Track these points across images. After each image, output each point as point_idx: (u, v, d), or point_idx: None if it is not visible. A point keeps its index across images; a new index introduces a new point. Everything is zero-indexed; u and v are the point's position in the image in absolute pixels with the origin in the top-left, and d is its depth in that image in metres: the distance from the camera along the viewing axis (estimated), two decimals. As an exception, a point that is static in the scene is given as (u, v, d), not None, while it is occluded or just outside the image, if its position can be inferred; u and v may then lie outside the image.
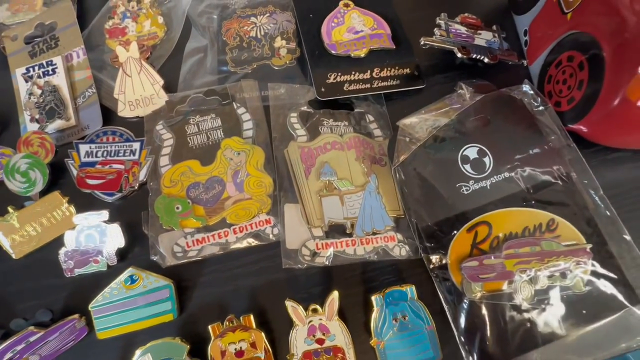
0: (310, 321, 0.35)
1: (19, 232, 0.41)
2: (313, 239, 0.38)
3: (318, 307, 0.35)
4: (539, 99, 0.40)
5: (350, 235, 0.38)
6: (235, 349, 0.34)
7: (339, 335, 0.34)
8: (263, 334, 0.34)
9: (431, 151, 0.38)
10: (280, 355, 0.35)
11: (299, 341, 0.34)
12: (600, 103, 0.35)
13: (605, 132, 0.38)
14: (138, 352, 0.34)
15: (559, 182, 0.37)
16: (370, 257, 0.37)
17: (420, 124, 0.39)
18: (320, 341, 0.34)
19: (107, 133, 0.45)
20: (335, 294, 0.35)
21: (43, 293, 0.40)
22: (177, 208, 0.39)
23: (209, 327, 0.34)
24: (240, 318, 0.35)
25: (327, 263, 0.37)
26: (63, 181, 0.44)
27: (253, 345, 0.34)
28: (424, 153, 0.38)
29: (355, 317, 0.36)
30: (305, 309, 0.35)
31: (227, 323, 0.35)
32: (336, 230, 0.39)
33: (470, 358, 0.33)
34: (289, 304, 0.35)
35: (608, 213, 0.36)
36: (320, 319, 0.35)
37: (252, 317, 0.35)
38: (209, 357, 0.34)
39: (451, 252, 0.35)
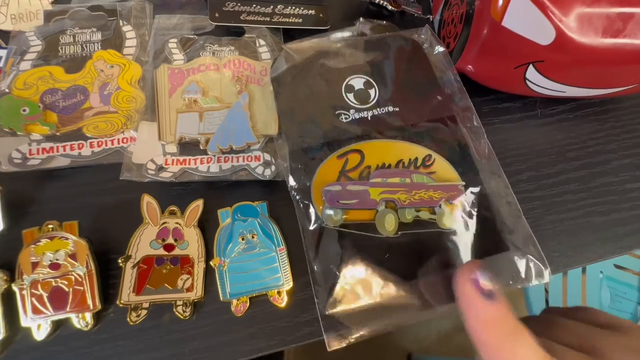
0: (164, 223, 0.30)
1: None
2: (164, 155, 0.34)
3: (178, 209, 0.31)
4: (434, 41, 0.39)
5: (205, 152, 0.35)
6: (51, 260, 0.29)
7: (193, 245, 0.30)
8: (88, 245, 0.30)
9: (309, 73, 0.36)
10: (113, 279, 0.31)
11: (142, 242, 0.30)
12: (474, 31, 0.34)
13: (483, 67, 0.37)
14: None
15: (443, 122, 0.35)
16: (226, 175, 0.34)
17: (309, 49, 0.37)
18: (168, 247, 0.30)
19: (-28, 37, 0.41)
20: (200, 202, 0.32)
21: None
22: (24, 110, 0.35)
23: (22, 232, 0.29)
24: (62, 225, 0.30)
25: (173, 179, 0.33)
26: None
27: (73, 257, 0.29)
28: (306, 72, 0.36)
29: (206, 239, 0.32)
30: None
31: (45, 229, 0.30)
32: (193, 148, 0.35)
33: (317, 288, 0.29)
34: (146, 199, 0.30)
35: (488, 155, 0.34)
36: (177, 223, 0.30)
37: (76, 224, 0.30)
38: (17, 267, 0.29)
39: (317, 176, 0.32)
